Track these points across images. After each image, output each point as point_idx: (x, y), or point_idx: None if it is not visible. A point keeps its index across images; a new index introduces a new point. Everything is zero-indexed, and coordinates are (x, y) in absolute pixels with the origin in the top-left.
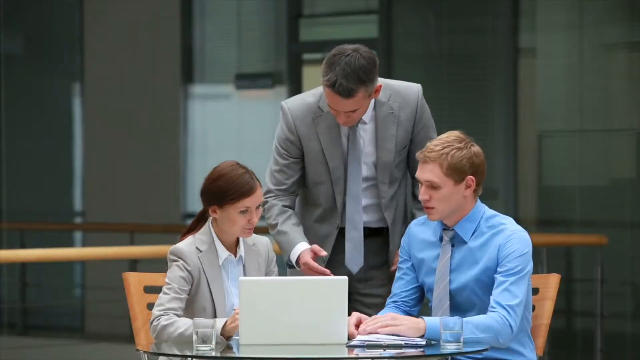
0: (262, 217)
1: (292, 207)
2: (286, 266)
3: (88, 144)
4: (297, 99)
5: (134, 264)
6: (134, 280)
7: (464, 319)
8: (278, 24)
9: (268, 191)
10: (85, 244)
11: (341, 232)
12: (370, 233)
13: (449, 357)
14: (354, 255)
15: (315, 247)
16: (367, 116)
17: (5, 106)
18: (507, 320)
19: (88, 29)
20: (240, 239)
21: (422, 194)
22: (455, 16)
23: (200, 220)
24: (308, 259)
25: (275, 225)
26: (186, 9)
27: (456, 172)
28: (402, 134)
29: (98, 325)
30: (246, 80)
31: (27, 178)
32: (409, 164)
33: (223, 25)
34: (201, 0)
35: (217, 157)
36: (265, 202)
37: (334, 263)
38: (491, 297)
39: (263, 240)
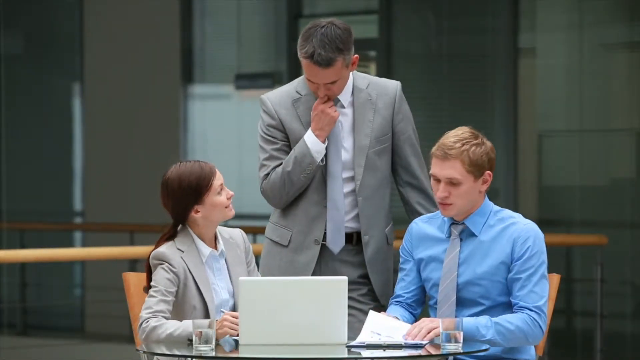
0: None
1: None
2: (316, 167)
3: (88, 144)
4: (276, 90)
5: (134, 264)
6: (134, 281)
7: (495, 318)
8: (278, 24)
9: (262, 180)
10: (85, 244)
11: None
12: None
13: (449, 357)
14: (335, 235)
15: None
16: (346, 101)
17: (5, 106)
18: (536, 321)
19: (88, 29)
20: (217, 233)
21: (441, 191)
22: (455, 16)
23: (172, 229)
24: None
25: (281, 173)
26: (186, 9)
27: (477, 168)
28: (380, 121)
29: (98, 325)
30: (246, 80)
31: (27, 178)
32: (394, 159)
33: (223, 25)
34: (201, 0)
35: (217, 157)
36: (262, 181)
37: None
38: (515, 299)
39: (237, 232)
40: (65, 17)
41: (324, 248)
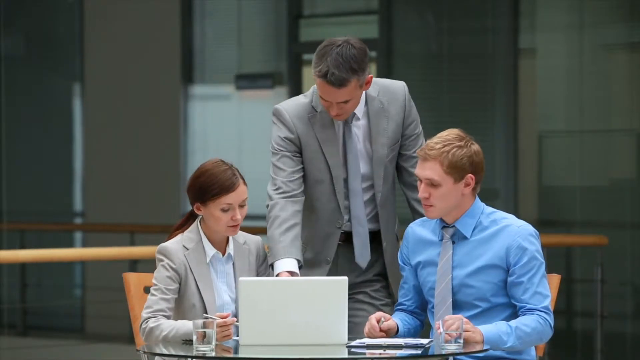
0: (249, 218)
1: (297, 210)
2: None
3: (88, 144)
4: (291, 101)
5: (134, 265)
6: (134, 281)
7: (512, 323)
8: (278, 24)
9: (272, 195)
10: (85, 244)
11: (343, 234)
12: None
13: (450, 357)
14: (362, 250)
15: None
16: (360, 112)
17: (5, 106)
18: (547, 321)
19: (88, 29)
20: (230, 237)
21: (422, 191)
22: (455, 16)
23: (189, 218)
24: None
25: (272, 224)
26: (186, 9)
27: (456, 171)
28: (393, 128)
29: (98, 326)
30: (246, 80)
31: (27, 178)
32: (398, 163)
33: (223, 25)
34: (201, 0)
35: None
36: (269, 203)
37: (339, 266)
38: (521, 302)
39: (254, 239)
40: (65, 17)
41: (339, 247)
